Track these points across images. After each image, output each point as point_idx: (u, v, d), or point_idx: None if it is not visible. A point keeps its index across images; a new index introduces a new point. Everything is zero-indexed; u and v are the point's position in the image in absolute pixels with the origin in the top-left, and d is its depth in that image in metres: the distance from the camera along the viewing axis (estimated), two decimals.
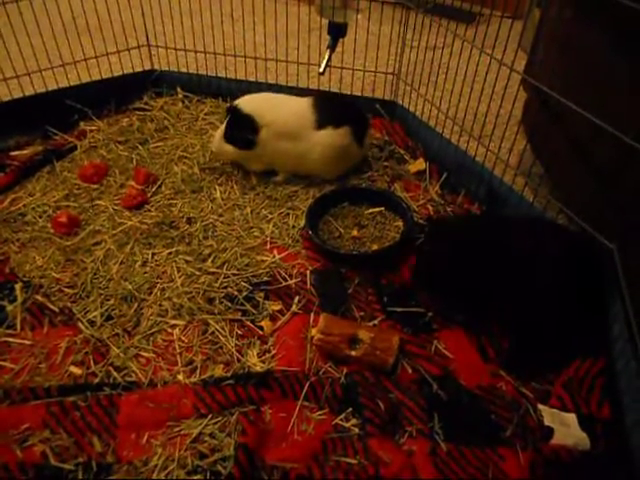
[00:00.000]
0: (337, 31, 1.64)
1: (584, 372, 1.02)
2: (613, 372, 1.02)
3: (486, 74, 1.35)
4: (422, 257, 1.24)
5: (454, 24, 1.45)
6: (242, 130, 1.46)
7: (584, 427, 0.95)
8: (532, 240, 1.13)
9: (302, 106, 1.49)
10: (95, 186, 1.55)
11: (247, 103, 1.48)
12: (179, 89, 1.88)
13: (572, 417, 0.97)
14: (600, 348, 1.06)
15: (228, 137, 1.49)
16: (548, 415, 0.98)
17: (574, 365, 1.05)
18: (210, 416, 1.02)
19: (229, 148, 1.50)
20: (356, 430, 1.00)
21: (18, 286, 1.25)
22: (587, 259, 1.10)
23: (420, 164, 1.57)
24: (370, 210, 1.45)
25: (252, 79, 1.82)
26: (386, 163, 1.61)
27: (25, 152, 1.65)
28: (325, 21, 1.68)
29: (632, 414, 0.93)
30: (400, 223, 1.40)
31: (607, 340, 1.06)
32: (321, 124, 1.47)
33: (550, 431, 0.94)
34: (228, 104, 1.83)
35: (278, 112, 1.47)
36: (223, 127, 1.49)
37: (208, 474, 0.93)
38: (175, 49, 1.81)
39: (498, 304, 1.14)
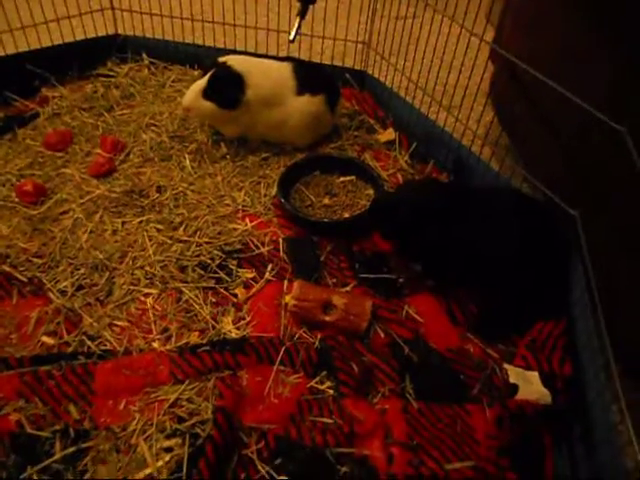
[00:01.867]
0: None
1: (547, 333, 1.08)
2: (573, 333, 1.07)
3: (456, 45, 1.36)
4: (389, 221, 1.26)
5: None
6: (229, 87, 1.41)
7: (546, 384, 1.01)
8: (495, 207, 1.16)
9: (285, 71, 1.48)
10: (60, 154, 1.51)
11: (237, 61, 1.44)
12: (145, 55, 1.84)
13: (535, 375, 1.02)
14: (562, 310, 1.11)
15: (210, 93, 1.41)
16: (513, 373, 1.03)
17: (537, 327, 1.10)
18: (187, 382, 1.03)
19: (208, 105, 1.42)
20: (331, 392, 1.03)
21: None
22: (551, 226, 1.14)
23: (390, 134, 1.59)
24: (341, 179, 1.46)
25: (220, 46, 1.79)
26: (356, 133, 1.62)
27: None
28: None
29: (590, 371, 0.99)
30: (371, 191, 1.43)
31: (568, 303, 1.11)
32: (300, 90, 1.47)
33: (515, 388, 1.00)
34: (196, 70, 1.82)
35: (265, 75, 1.45)
36: (201, 83, 1.42)
37: (187, 437, 0.94)
38: (140, 12, 1.76)
39: (465, 270, 1.18)
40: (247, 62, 1.46)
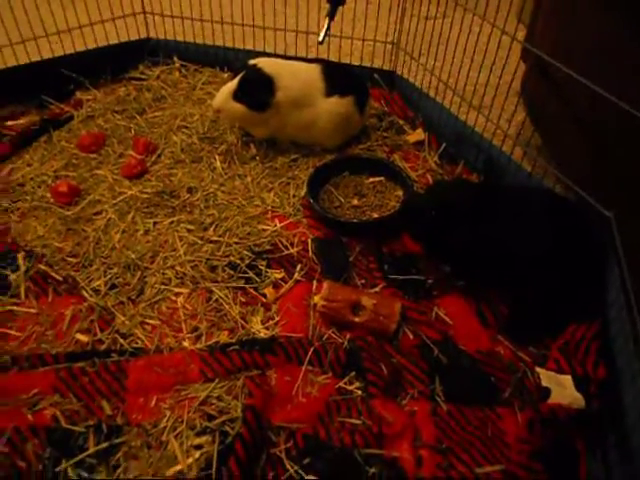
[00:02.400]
0: None
1: (580, 336, 1.05)
2: (608, 335, 1.05)
3: (487, 44, 1.35)
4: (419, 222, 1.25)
5: None
6: (259, 90, 1.42)
7: (579, 388, 0.99)
8: (529, 207, 1.15)
9: (313, 73, 1.49)
10: (94, 156, 1.54)
11: (267, 64, 1.45)
12: (176, 58, 1.87)
13: (568, 378, 1.00)
14: (596, 313, 1.09)
15: (240, 95, 1.43)
16: (545, 377, 1.01)
17: (570, 329, 1.08)
18: (217, 380, 1.04)
19: (238, 107, 1.44)
20: (359, 393, 1.03)
21: (20, 255, 1.25)
22: (584, 226, 1.12)
23: (419, 134, 1.58)
24: (370, 180, 1.46)
25: (250, 48, 1.80)
26: (385, 133, 1.62)
27: (21, 122, 1.64)
28: None
29: (626, 375, 0.96)
30: (400, 192, 1.42)
31: (603, 305, 1.09)
32: (329, 92, 1.47)
33: (547, 391, 0.98)
34: (228, 70, 1.84)
35: (294, 77, 1.46)
36: (232, 85, 1.43)
37: (217, 435, 0.95)
38: (171, 16, 1.79)
39: (496, 271, 1.16)
40: (277, 64, 1.47)
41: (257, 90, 1.42)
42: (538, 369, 1.03)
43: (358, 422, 0.98)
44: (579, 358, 1.03)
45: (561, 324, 1.10)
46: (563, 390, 0.98)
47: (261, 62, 1.45)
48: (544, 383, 1.00)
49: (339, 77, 1.51)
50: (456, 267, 1.23)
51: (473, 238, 1.15)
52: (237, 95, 1.43)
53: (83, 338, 1.11)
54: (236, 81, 1.43)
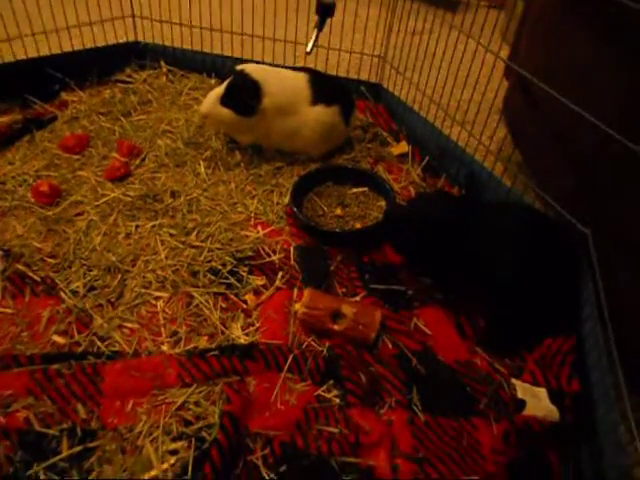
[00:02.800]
0: (325, 10, 1.63)
1: (556, 349, 1.07)
2: (582, 350, 1.07)
3: (471, 61, 1.38)
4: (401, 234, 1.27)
5: (439, 10, 1.47)
6: (246, 95, 1.43)
7: (554, 400, 1.00)
8: (509, 222, 1.17)
9: (300, 81, 1.50)
10: (77, 157, 1.53)
11: (255, 70, 1.46)
12: (163, 63, 1.87)
13: (543, 391, 1.02)
14: (571, 327, 1.11)
15: (227, 100, 1.43)
16: (520, 389, 1.02)
17: (546, 343, 1.10)
18: (195, 385, 1.03)
19: (225, 112, 1.44)
20: (337, 401, 1.03)
21: None
22: (561, 242, 1.14)
23: (403, 147, 1.60)
24: (354, 190, 1.47)
25: (238, 55, 1.81)
26: (369, 145, 1.64)
27: (3, 120, 1.61)
28: (313, 0, 1.68)
29: (599, 389, 0.98)
30: (383, 203, 1.43)
31: (578, 320, 1.11)
32: (315, 100, 1.49)
33: (522, 403, 0.99)
34: (213, 79, 1.84)
35: (281, 84, 1.47)
36: (220, 90, 1.44)
37: (193, 440, 0.95)
38: (160, 21, 1.79)
39: (475, 284, 1.18)
40: (264, 70, 1.48)
41: (244, 95, 1.43)
42: (514, 381, 1.05)
43: (335, 430, 0.98)
44: (554, 371, 1.05)
45: (537, 337, 1.12)
46: (538, 402, 0.99)
47: (248, 68, 1.46)
48: (519, 395, 1.01)
49: (325, 86, 1.52)
50: (436, 279, 1.25)
51: (453, 251, 1.16)
52: (224, 100, 1.44)
53: (60, 340, 1.10)
54: (223, 86, 1.44)
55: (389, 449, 0.96)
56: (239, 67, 1.46)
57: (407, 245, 1.25)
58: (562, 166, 1.27)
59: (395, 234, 1.25)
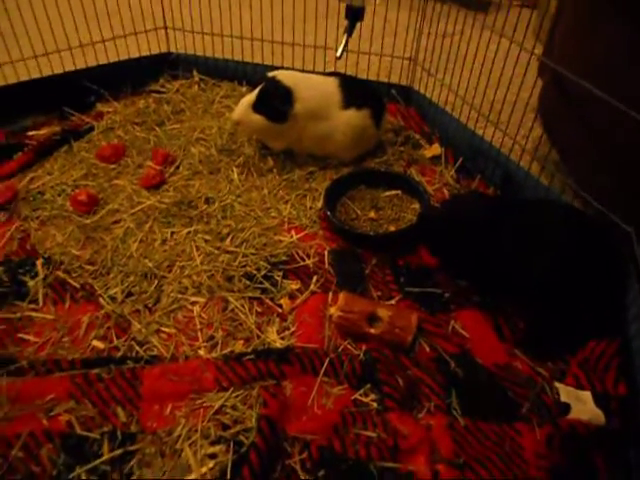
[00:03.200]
0: (355, 15, 1.63)
1: (600, 352, 1.04)
2: (629, 352, 1.03)
3: (504, 61, 1.35)
4: (436, 236, 1.25)
5: (470, 12, 1.45)
6: (278, 101, 1.43)
7: (599, 404, 0.97)
8: (547, 221, 1.14)
9: (331, 85, 1.50)
10: (113, 166, 1.56)
11: (286, 76, 1.46)
12: (195, 72, 1.89)
13: (587, 394, 0.99)
14: (617, 329, 1.07)
15: (260, 107, 1.44)
16: (564, 392, 1.00)
17: (590, 345, 1.06)
18: (232, 389, 1.03)
19: (257, 118, 1.46)
20: (375, 405, 1.02)
21: (39, 262, 1.27)
22: (604, 241, 1.11)
23: (436, 149, 1.59)
24: (387, 193, 1.46)
25: (268, 63, 1.83)
26: (402, 148, 1.63)
27: (42, 132, 1.66)
28: (343, 5, 1.69)
29: None
30: (417, 206, 1.42)
31: (623, 321, 1.08)
32: (346, 105, 1.49)
33: (567, 407, 0.97)
34: (244, 87, 1.86)
35: (312, 89, 1.47)
36: (251, 97, 1.45)
37: (231, 444, 0.95)
38: (192, 32, 1.82)
39: (513, 286, 1.16)
40: (295, 76, 1.49)
41: (276, 101, 1.44)
42: (557, 384, 1.02)
43: (373, 435, 0.97)
44: (599, 374, 1.01)
45: (580, 340, 1.08)
46: (583, 406, 0.96)
47: (279, 74, 1.47)
48: (563, 398, 0.98)
49: (356, 90, 1.52)
50: (472, 281, 1.22)
51: (490, 252, 1.14)
52: (256, 107, 1.45)
53: (99, 345, 1.12)
54: (255, 93, 1.45)
55: (429, 454, 0.94)
56: (270, 74, 1.47)
57: (442, 247, 1.23)
58: (602, 164, 1.23)
59: (430, 236, 1.23)
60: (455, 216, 1.18)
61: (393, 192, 1.46)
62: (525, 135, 1.41)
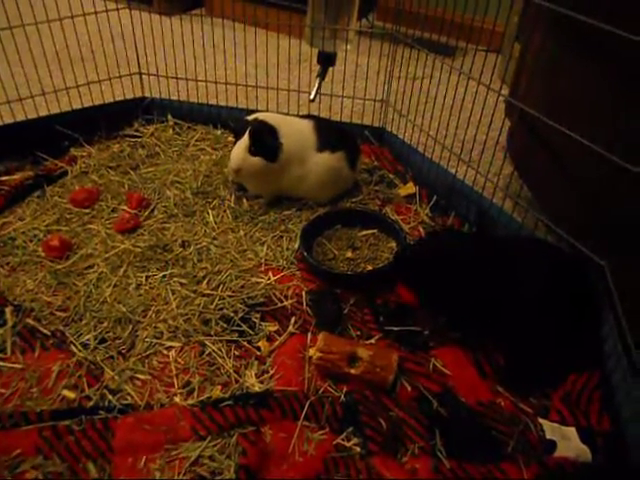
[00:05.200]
0: (327, 60, 1.68)
1: (581, 385, 1.04)
2: (609, 386, 1.03)
3: (473, 102, 1.39)
4: (413, 272, 1.25)
5: (438, 56, 1.50)
6: (271, 140, 1.43)
7: (584, 440, 0.96)
8: (522, 256, 1.15)
9: (306, 127, 1.51)
10: (87, 210, 1.54)
11: (267, 117, 1.47)
12: (170, 116, 1.90)
13: (572, 430, 0.98)
14: (595, 362, 1.07)
15: (256, 148, 1.43)
16: (549, 429, 0.98)
17: (570, 379, 1.06)
18: (209, 438, 1.00)
19: (256, 161, 1.44)
20: (358, 449, 0.99)
21: (8, 310, 1.22)
22: (578, 275, 1.12)
23: (410, 188, 1.61)
24: (363, 232, 1.47)
25: (243, 106, 1.85)
26: (376, 187, 1.64)
27: (15, 177, 1.63)
28: (315, 51, 1.73)
29: (632, 427, 0.94)
30: (393, 244, 1.42)
31: (601, 354, 1.08)
32: (321, 147, 1.50)
33: (553, 444, 0.95)
34: (219, 130, 1.87)
35: (292, 130, 1.48)
36: (243, 142, 1.43)
37: None
38: (166, 77, 1.84)
39: (492, 320, 1.15)
40: (275, 117, 1.50)
41: (269, 140, 1.44)
42: (541, 420, 1.01)
43: None
44: (582, 408, 1.01)
45: (561, 374, 1.08)
46: (568, 443, 0.95)
47: (261, 115, 1.48)
48: (548, 435, 0.97)
49: (331, 133, 1.54)
50: (451, 317, 1.22)
51: (468, 287, 1.14)
52: (252, 149, 1.44)
53: (70, 395, 1.07)
54: (246, 137, 1.43)
55: None
56: (251, 117, 1.48)
57: (420, 283, 1.23)
58: (573, 199, 1.26)
59: (407, 272, 1.23)
60: (432, 252, 1.19)
61: (369, 231, 1.47)
62: (496, 173, 1.44)
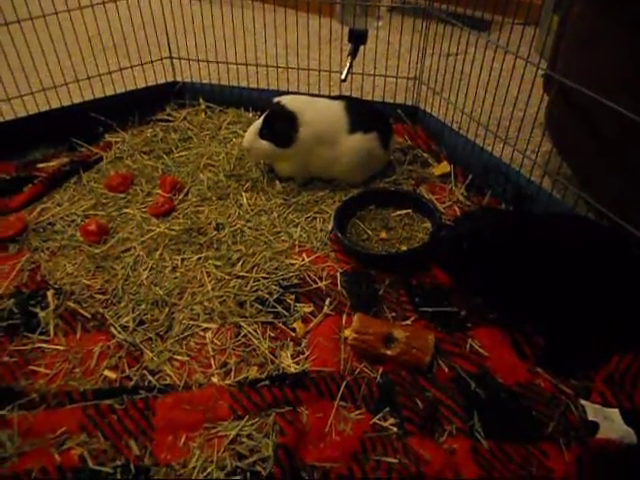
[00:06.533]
0: (358, 38, 1.65)
1: (625, 367, 1.01)
2: None
3: (509, 78, 1.35)
4: (450, 254, 1.23)
5: (472, 31, 1.46)
6: (284, 126, 1.44)
7: (628, 422, 0.93)
8: (565, 235, 1.12)
9: (337, 109, 1.50)
10: (122, 195, 1.56)
11: (290, 101, 1.47)
12: (201, 100, 1.91)
13: (615, 412, 0.95)
14: None
15: (266, 133, 1.45)
16: (591, 410, 0.96)
17: (614, 360, 1.03)
18: (247, 417, 1.01)
19: (264, 144, 1.46)
20: (395, 429, 0.99)
21: (50, 293, 1.26)
22: (620, 252, 1.09)
23: (444, 167, 1.58)
24: (397, 212, 1.45)
25: (274, 88, 1.84)
26: (410, 167, 1.62)
27: (52, 164, 1.67)
28: (345, 30, 1.70)
29: None
30: (428, 224, 1.40)
31: None
32: (353, 128, 1.48)
33: (595, 426, 0.93)
34: (251, 112, 1.87)
35: (317, 113, 1.47)
36: (258, 124, 1.46)
37: (248, 475, 0.92)
38: (197, 60, 1.84)
39: (532, 302, 1.13)
40: (299, 101, 1.49)
41: (281, 127, 1.44)
42: (583, 402, 0.98)
43: (395, 461, 0.94)
44: (626, 390, 0.98)
45: (604, 355, 1.05)
46: (611, 424, 0.93)
47: (284, 99, 1.47)
48: (590, 417, 0.95)
49: (363, 113, 1.52)
50: (488, 299, 1.20)
51: (506, 269, 1.12)
52: (263, 133, 1.45)
53: (111, 375, 1.10)
54: (261, 119, 1.45)
55: None
56: (276, 99, 1.48)
57: (456, 266, 1.21)
58: (613, 174, 1.22)
59: (444, 255, 1.21)
60: (468, 234, 1.16)
61: (403, 211, 1.45)
62: (534, 150, 1.40)
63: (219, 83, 1.88)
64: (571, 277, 1.06)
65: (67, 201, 1.54)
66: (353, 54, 1.66)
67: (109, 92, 1.80)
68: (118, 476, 0.93)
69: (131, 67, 1.80)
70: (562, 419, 0.98)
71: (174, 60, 1.90)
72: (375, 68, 1.71)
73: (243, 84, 1.88)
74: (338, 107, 1.50)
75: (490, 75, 1.40)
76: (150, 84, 1.87)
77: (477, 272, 1.16)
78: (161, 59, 1.86)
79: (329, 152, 1.49)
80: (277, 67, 1.79)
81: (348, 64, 1.65)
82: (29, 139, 1.71)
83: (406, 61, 1.68)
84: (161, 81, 1.89)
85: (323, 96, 1.61)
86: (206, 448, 0.97)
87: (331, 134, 1.48)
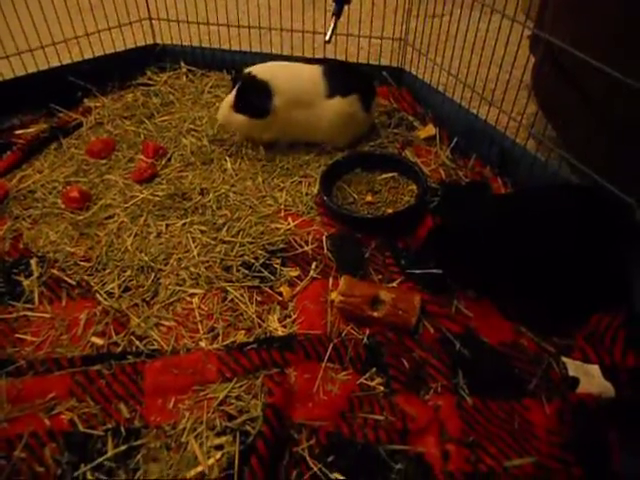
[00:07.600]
0: None
1: (606, 325, 1.03)
2: (637, 324, 1.02)
3: (495, 39, 1.33)
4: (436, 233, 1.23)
5: None
6: (256, 97, 1.42)
7: (608, 377, 0.96)
8: (546, 199, 1.13)
9: (314, 74, 1.47)
10: (104, 161, 1.54)
11: (261, 70, 1.44)
12: (182, 63, 1.87)
13: (595, 367, 0.98)
14: (621, 301, 1.06)
15: (240, 106, 1.44)
16: (572, 366, 0.98)
17: (595, 319, 1.05)
18: (235, 380, 1.02)
19: (239, 118, 1.45)
20: (381, 388, 1.01)
21: (33, 261, 1.25)
22: (604, 213, 1.10)
23: (430, 130, 1.57)
24: (383, 175, 1.45)
25: (256, 50, 1.80)
26: (395, 130, 1.61)
27: (30, 130, 1.64)
28: None
29: None
30: (414, 187, 1.40)
31: (628, 293, 1.06)
32: (331, 93, 1.46)
33: (575, 381, 0.96)
34: (231, 75, 1.83)
35: (292, 80, 1.45)
36: (231, 97, 1.44)
37: (238, 434, 0.93)
38: (177, 21, 1.79)
39: (512, 268, 1.13)
40: (271, 68, 1.47)
41: (255, 98, 1.42)
42: (564, 359, 1.01)
43: (381, 418, 0.96)
44: (606, 347, 1.00)
45: (585, 313, 1.07)
46: (591, 379, 0.95)
47: (255, 69, 1.45)
48: (571, 373, 0.97)
49: (341, 77, 1.49)
50: (482, 292, 1.19)
51: (496, 257, 1.12)
52: (237, 107, 1.44)
53: (98, 341, 1.10)
54: (233, 93, 1.43)
55: (438, 435, 0.93)
56: (247, 70, 1.45)
57: (447, 260, 1.20)
58: (600, 136, 1.22)
59: (433, 251, 1.21)
60: (458, 232, 1.16)
61: (389, 174, 1.45)
62: (520, 112, 1.39)
63: (200, 45, 1.84)
64: (552, 238, 1.07)
65: (48, 168, 1.52)
66: (337, 14, 1.62)
67: (87, 55, 1.75)
68: (109, 438, 0.94)
69: (109, 29, 1.75)
70: (544, 376, 1.00)
71: (153, 21, 1.85)
72: (360, 29, 1.68)
73: (225, 46, 1.84)
74: (314, 71, 1.48)
75: (476, 36, 1.38)
76: (129, 47, 1.82)
77: (467, 263, 1.16)
78: (140, 20, 1.81)
79: (308, 118, 1.47)
80: (259, 28, 1.75)
81: (332, 25, 1.62)
82: (6, 105, 1.67)
83: (391, 22, 1.65)
84: (140, 44, 1.84)
85: (300, 59, 1.58)
86: (195, 410, 0.98)
87: (307, 99, 1.46)
